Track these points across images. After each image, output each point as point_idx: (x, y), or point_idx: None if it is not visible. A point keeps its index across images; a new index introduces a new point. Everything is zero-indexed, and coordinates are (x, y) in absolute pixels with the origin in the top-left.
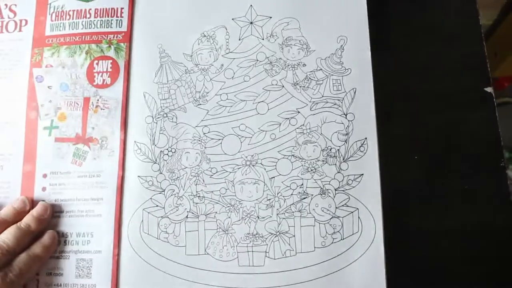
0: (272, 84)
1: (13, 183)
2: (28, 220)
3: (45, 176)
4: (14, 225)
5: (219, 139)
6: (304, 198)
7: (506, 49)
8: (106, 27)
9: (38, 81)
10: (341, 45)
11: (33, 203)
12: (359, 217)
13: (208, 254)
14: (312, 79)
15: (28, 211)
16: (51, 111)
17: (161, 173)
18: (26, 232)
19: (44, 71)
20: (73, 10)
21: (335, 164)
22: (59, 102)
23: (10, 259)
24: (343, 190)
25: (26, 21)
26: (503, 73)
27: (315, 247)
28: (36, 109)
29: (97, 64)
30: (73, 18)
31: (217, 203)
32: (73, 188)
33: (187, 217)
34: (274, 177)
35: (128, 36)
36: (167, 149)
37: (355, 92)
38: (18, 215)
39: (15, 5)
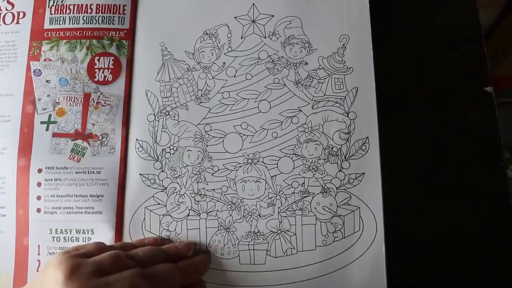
0: (274, 83)
1: (8, 178)
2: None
3: (40, 171)
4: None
5: (221, 137)
6: (306, 196)
7: (506, 49)
8: (108, 24)
9: (35, 75)
10: (343, 44)
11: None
12: (360, 216)
13: (209, 252)
14: (314, 78)
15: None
16: (49, 105)
17: (163, 171)
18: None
19: (42, 65)
20: (74, 5)
21: (337, 163)
22: (57, 97)
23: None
24: (344, 189)
25: (24, 13)
26: (503, 73)
27: (316, 246)
28: (33, 103)
29: (98, 60)
30: (73, 13)
31: (218, 201)
32: (71, 184)
33: (188, 215)
34: (275, 176)
35: (131, 34)
36: (169, 147)
37: (357, 91)
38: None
39: None
